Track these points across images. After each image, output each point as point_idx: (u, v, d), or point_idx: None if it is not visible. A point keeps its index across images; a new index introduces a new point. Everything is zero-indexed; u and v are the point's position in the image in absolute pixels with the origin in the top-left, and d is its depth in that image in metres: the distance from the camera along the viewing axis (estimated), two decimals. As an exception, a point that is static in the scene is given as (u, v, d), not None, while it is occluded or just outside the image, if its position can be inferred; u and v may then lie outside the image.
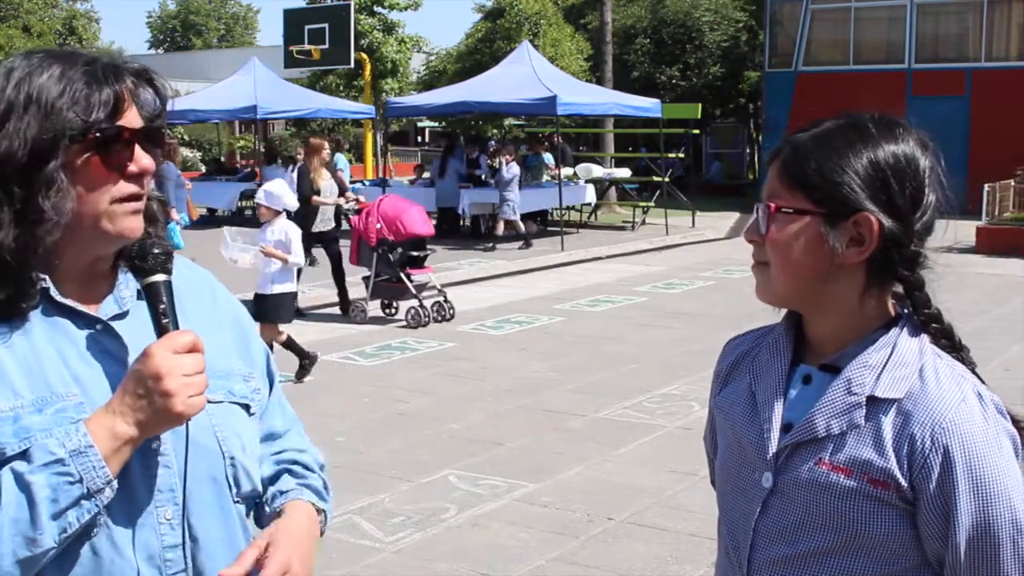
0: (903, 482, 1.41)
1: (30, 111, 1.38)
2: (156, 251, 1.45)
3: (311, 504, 1.64)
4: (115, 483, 1.35)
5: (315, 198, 10.95)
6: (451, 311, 10.88)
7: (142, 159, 1.43)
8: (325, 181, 11.19)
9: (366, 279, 10.80)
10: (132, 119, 1.43)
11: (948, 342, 1.49)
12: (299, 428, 1.76)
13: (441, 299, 10.87)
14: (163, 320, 1.42)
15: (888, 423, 1.42)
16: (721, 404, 1.64)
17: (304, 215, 10.58)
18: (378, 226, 10.49)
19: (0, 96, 1.39)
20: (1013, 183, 18.69)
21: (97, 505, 1.34)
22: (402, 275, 10.52)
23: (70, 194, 1.38)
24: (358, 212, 10.97)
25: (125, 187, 1.42)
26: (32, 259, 1.39)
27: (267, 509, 1.63)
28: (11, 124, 1.37)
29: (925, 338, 1.48)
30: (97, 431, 1.34)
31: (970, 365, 1.49)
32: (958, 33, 24.50)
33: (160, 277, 1.45)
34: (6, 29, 33.97)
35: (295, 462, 1.69)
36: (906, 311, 1.50)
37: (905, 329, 1.47)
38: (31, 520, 1.30)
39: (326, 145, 11.93)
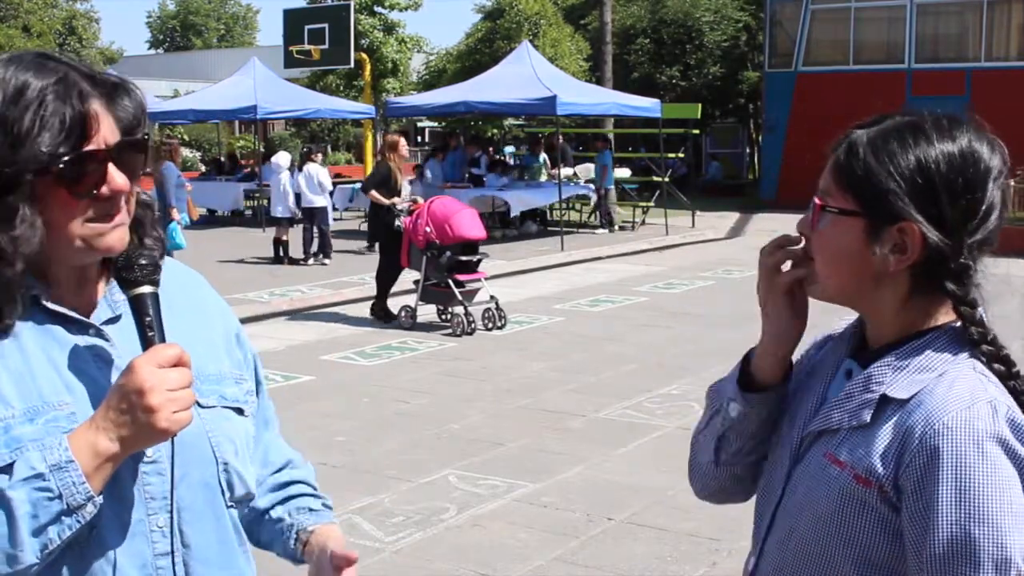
0: (886, 482, 1.35)
1: None
2: (142, 262, 1.40)
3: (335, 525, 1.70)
4: (97, 499, 1.31)
5: (396, 199, 10.77)
6: (503, 320, 10.38)
7: (115, 180, 1.36)
8: (403, 179, 10.95)
9: (416, 283, 10.46)
10: (105, 137, 1.36)
11: (1002, 367, 1.39)
12: (277, 429, 1.75)
13: (492, 306, 10.36)
14: (149, 333, 1.38)
15: (890, 423, 1.38)
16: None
17: (387, 214, 10.61)
18: (427, 229, 10.06)
19: None
20: (1013, 183, 18.70)
21: (79, 521, 1.30)
22: (449, 281, 10.08)
23: (36, 225, 1.33)
24: (411, 213, 10.45)
25: (99, 208, 1.37)
26: None
27: (289, 520, 1.65)
28: None
29: (965, 353, 1.40)
30: (79, 446, 1.30)
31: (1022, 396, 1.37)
32: (958, 33, 24.49)
33: (146, 289, 1.40)
34: (6, 29, 33.98)
35: (305, 483, 1.72)
36: (958, 324, 1.43)
37: (944, 338, 1.41)
38: (10, 536, 1.27)
39: (402, 141, 11.53)
